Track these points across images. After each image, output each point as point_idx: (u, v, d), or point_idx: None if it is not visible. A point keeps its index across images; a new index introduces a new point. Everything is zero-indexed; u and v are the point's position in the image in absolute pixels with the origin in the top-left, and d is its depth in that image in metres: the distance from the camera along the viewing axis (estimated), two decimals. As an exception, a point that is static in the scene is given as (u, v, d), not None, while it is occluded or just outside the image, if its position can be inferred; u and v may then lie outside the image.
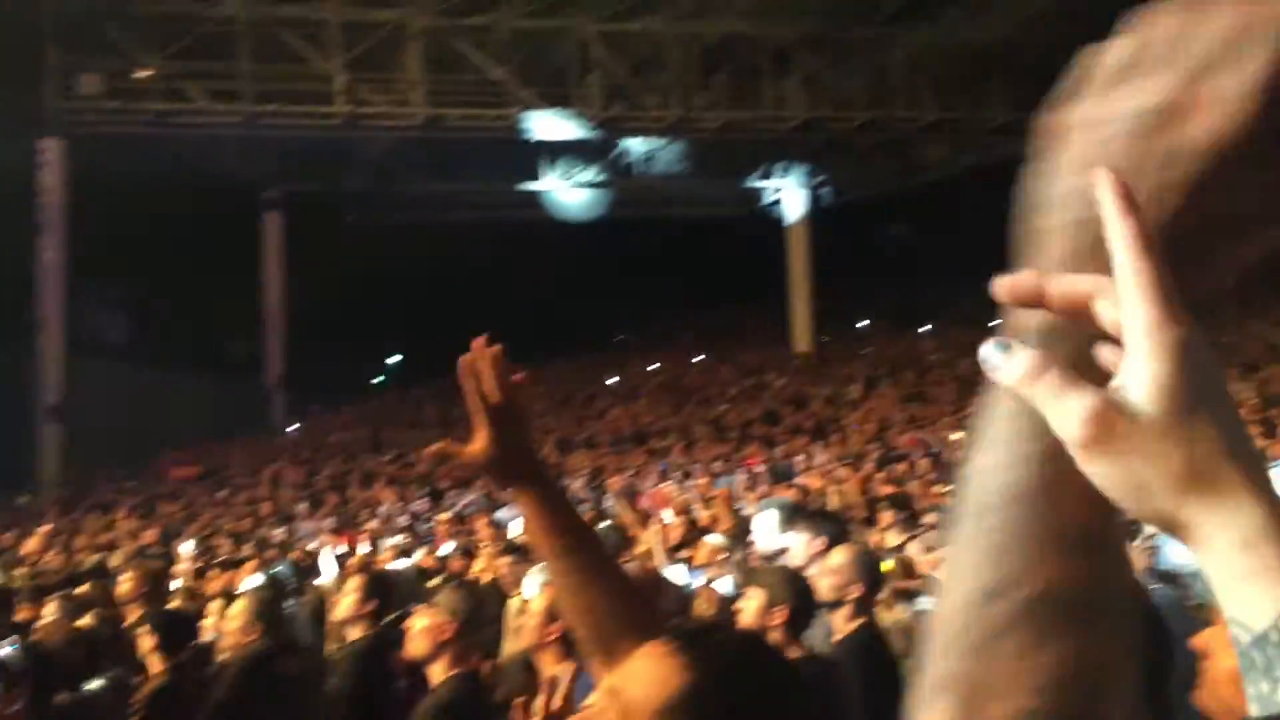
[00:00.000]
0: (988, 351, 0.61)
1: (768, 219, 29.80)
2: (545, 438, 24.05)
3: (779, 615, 3.82)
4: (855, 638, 4.17)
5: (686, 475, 15.42)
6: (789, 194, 29.14)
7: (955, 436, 15.43)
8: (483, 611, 3.81)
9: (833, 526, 5.65)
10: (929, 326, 28.71)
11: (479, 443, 1.65)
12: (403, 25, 20.08)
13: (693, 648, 1.35)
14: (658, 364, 33.23)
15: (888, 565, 6.45)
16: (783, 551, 6.71)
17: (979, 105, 22.61)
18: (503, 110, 20.66)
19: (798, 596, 3.90)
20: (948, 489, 10.36)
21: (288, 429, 27.98)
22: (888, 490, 10.22)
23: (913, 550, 6.99)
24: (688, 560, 7.48)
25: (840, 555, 4.17)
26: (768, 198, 29.85)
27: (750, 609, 3.86)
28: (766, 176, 28.79)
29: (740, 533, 7.98)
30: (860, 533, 8.10)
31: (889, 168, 29.21)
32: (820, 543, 5.35)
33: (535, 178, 26.43)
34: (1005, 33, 21.98)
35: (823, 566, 4.20)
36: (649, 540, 7.94)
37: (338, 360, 33.81)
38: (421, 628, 3.56)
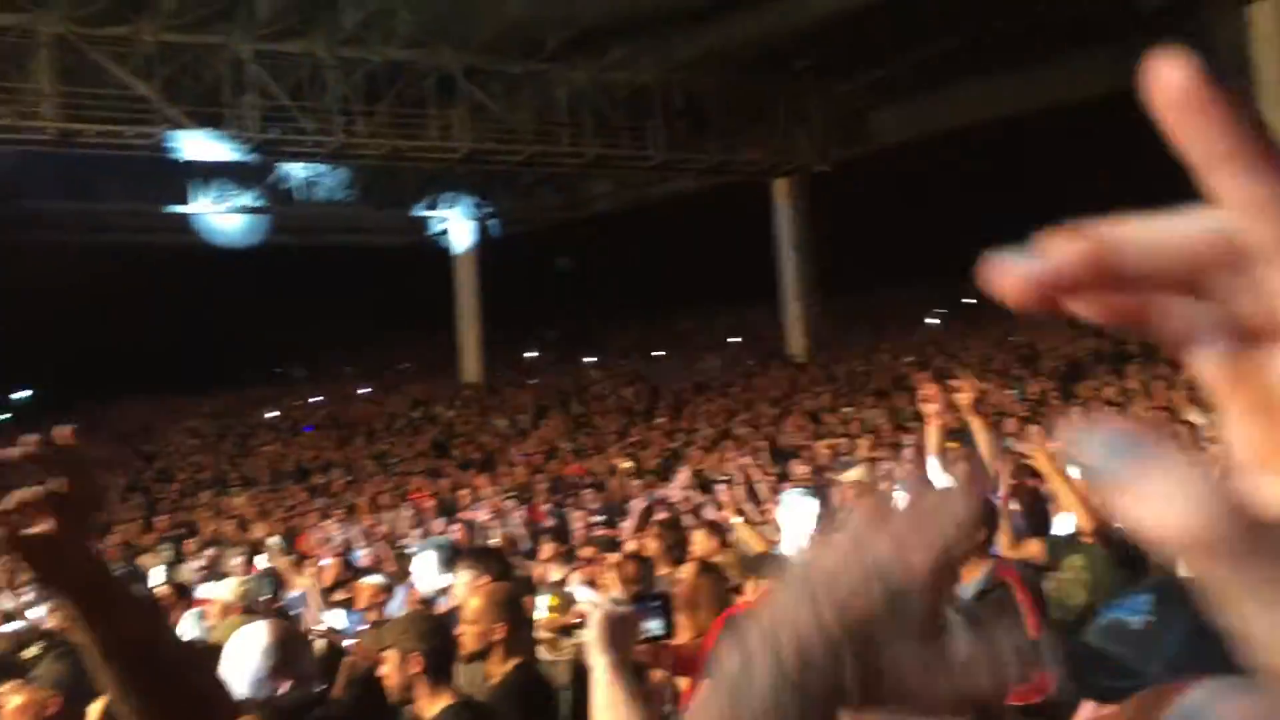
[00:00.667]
0: (1078, 431, 0.39)
1: (435, 249, 29.51)
2: (198, 475, 22.61)
3: (415, 665, 3.68)
4: (510, 679, 4.10)
5: (350, 512, 14.89)
6: (456, 224, 29.00)
7: (621, 464, 15.77)
8: (89, 680, 3.42)
9: (496, 564, 5.57)
10: (594, 357, 29.35)
11: (41, 528, 1.37)
12: (30, 32, 18.40)
13: None
14: (321, 397, 32.11)
15: (551, 600, 6.45)
16: (444, 591, 6.55)
17: (639, 144, 23.39)
18: (146, 128, 19.32)
19: (428, 639, 3.77)
20: (608, 519, 10.54)
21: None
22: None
23: (573, 583, 7.01)
24: (347, 603, 7.18)
25: (474, 602, 4.11)
26: (435, 227, 29.59)
27: (389, 670, 3.73)
28: (433, 206, 28.53)
29: (403, 573, 7.74)
30: (524, 566, 8.05)
31: (554, 201, 29.71)
32: (483, 581, 5.25)
33: (185, 201, 24.89)
34: (659, 76, 22.94)
35: (460, 619, 4.13)
36: (304, 585, 7.56)
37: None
38: (16, 706, 3.13)
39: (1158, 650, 1.38)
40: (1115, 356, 17.86)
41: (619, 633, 2.20)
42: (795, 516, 6.42)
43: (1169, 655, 1.35)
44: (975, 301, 29.92)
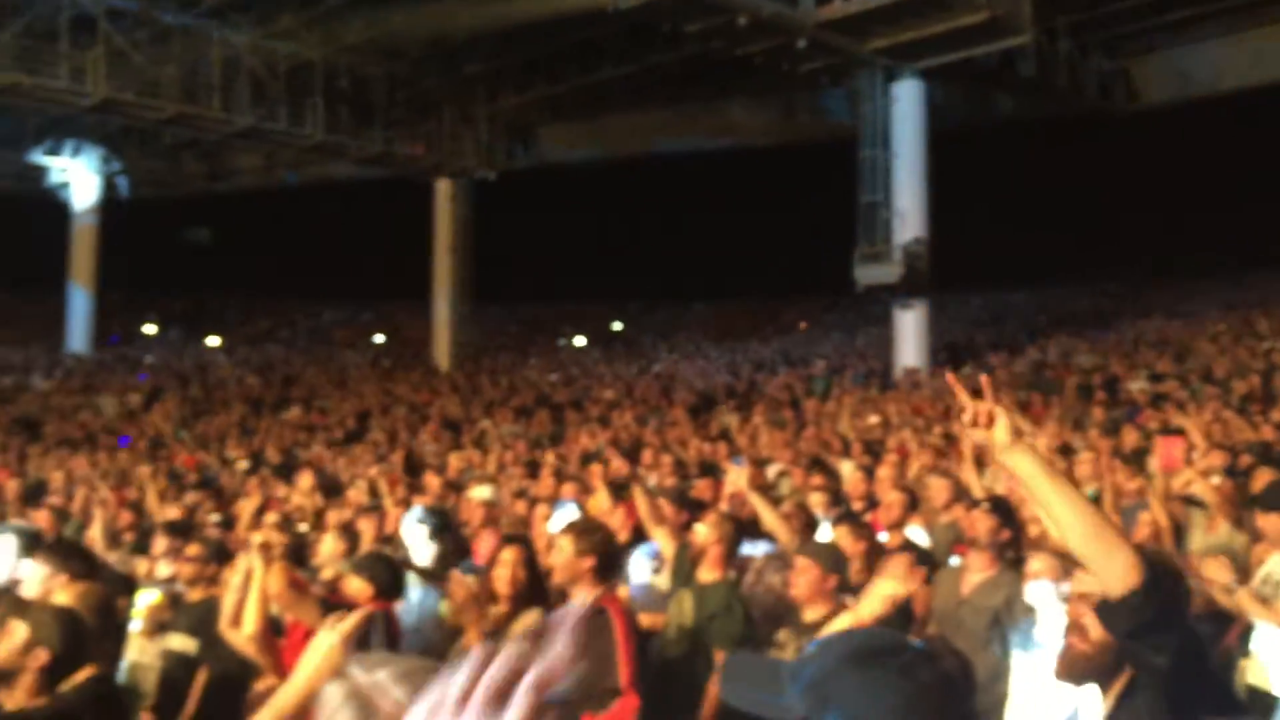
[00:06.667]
0: None
1: (50, 200, 26.61)
2: None
3: (40, 657, 3.43)
4: (85, 688, 3.57)
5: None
6: (79, 177, 26.30)
7: (235, 457, 14.71)
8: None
9: (78, 560, 4.80)
10: (220, 339, 27.46)
11: None
12: None
13: None
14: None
15: (157, 598, 5.83)
16: (16, 583, 5.62)
17: (297, 121, 22.11)
18: None
19: (69, 643, 3.52)
20: (218, 513, 9.62)
21: None
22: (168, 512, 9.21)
23: (177, 581, 6.28)
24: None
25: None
26: (53, 177, 26.69)
27: (10, 644, 3.46)
28: (54, 153, 25.72)
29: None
30: (128, 562, 7.21)
31: (196, 168, 27.60)
32: (61, 579, 4.54)
33: None
34: (326, 54, 21.81)
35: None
36: None
37: None
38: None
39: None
40: (745, 394, 18.65)
41: None
42: (414, 536, 6.34)
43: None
44: (621, 328, 30.67)
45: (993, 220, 26.84)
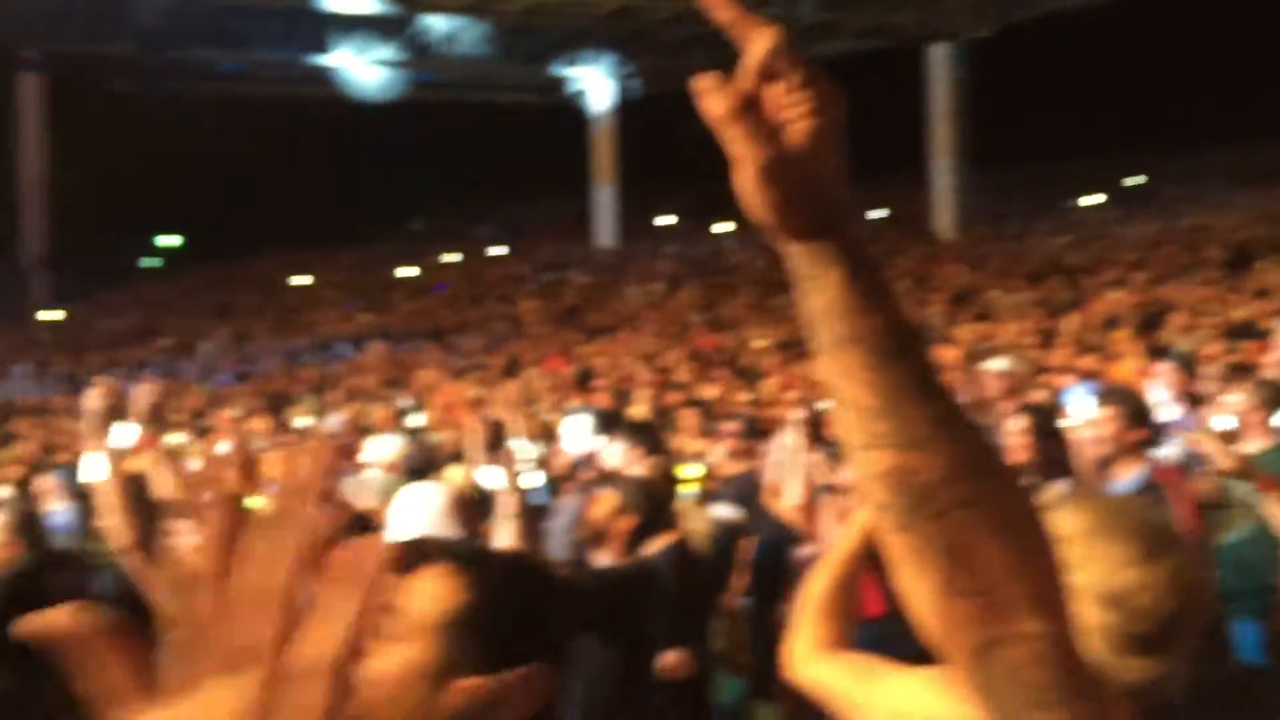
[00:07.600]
0: None
1: (572, 109, 29.04)
2: (337, 329, 23.00)
3: (625, 523, 3.88)
4: (674, 550, 4.06)
5: (487, 373, 14.92)
6: (596, 84, 28.44)
7: (755, 340, 15.41)
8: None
9: (650, 437, 5.42)
10: (732, 226, 28.74)
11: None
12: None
13: (469, 570, 1.45)
14: (456, 256, 32.34)
15: (700, 472, 6.29)
16: (591, 457, 6.40)
17: (791, 4, 22.35)
18: (291, -25, 19.19)
19: (650, 511, 3.99)
20: (747, 393, 10.23)
21: (47, 315, 25.81)
22: (702, 392, 10.00)
23: (715, 455, 6.80)
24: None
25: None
26: (573, 87, 29.07)
27: (600, 509, 3.96)
28: (573, 64, 27.97)
29: (543, 435, 7.59)
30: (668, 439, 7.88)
31: (699, 61, 28.79)
32: (638, 453, 5.13)
33: (325, 51, 24.83)
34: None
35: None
36: (466, 440, 7.48)
37: (107, 241, 31.41)
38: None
39: None
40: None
41: None
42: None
43: None
44: (1141, 182, 28.42)
45: None
